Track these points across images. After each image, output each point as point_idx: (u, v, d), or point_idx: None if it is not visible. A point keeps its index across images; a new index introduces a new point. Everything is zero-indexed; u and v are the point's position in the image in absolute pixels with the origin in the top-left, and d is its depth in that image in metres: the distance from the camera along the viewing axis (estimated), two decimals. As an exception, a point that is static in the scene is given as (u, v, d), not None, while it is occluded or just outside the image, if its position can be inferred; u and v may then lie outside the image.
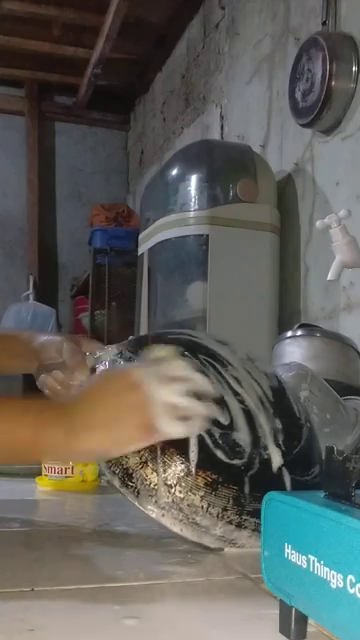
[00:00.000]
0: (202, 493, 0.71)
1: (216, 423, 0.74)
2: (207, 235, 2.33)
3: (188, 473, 0.71)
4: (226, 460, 0.73)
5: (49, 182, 4.84)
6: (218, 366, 0.80)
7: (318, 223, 1.67)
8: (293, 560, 0.45)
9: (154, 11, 3.82)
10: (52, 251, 4.83)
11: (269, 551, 0.48)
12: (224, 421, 0.75)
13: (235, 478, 0.73)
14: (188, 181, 2.39)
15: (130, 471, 0.72)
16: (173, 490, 0.71)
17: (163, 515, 0.71)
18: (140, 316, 2.74)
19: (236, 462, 0.74)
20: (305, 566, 0.43)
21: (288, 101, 2.32)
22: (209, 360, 0.81)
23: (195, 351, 0.81)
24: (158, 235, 2.50)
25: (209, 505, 0.71)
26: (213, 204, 2.34)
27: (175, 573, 0.64)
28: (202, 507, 0.71)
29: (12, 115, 4.73)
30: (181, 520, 0.71)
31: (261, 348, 2.08)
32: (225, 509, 0.72)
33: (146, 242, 2.66)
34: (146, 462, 0.71)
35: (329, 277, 1.69)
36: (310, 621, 0.47)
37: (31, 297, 4.40)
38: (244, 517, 0.72)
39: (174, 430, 0.67)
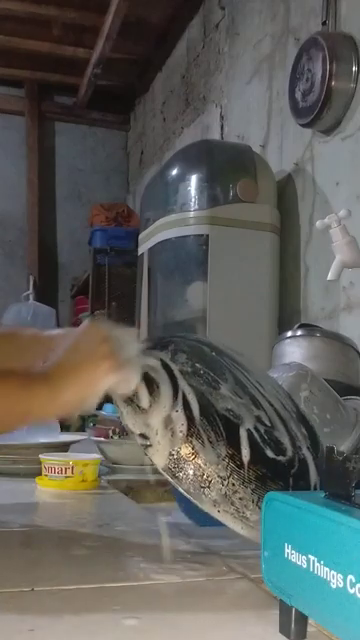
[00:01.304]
0: (253, 486, 0.72)
1: (260, 420, 0.75)
2: (207, 235, 2.33)
3: (241, 466, 0.72)
4: (272, 456, 0.74)
5: (49, 182, 4.84)
6: (243, 371, 0.82)
7: (318, 223, 1.67)
8: (293, 560, 0.45)
9: (154, 11, 3.83)
10: (52, 251, 4.84)
11: (269, 551, 0.48)
12: (266, 421, 0.76)
13: (281, 474, 0.74)
14: (188, 181, 2.39)
15: (181, 462, 0.73)
16: (227, 482, 0.72)
17: (219, 511, 0.72)
18: (140, 316, 2.74)
19: (281, 459, 0.75)
20: (305, 566, 0.43)
21: (288, 101, 2.32)
22: (234, 364, 0.82)
23: (220, 352, 0.82)
24: (158, 235, 2.50)
25: (259, 499, 0.71)
26: (213, 204, 2.34)
27: (175, 573, 0.64)
28: (253, 501, 0.71)
29: (12, 115, 4.73)
30: (232, 514, 0.71)
31: (261, 348, 2.08)
32: None
33: (146, 242, 2.66)
34: (197, 453, 0.72)
35: (329, 277, 1.69)
36: (310, 621, 0.47)
37: (31, 297, 4.40)
38: None
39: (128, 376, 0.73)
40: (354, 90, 2.06)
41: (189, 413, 0.73)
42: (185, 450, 0.72)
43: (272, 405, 0.80)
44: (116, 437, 1.57)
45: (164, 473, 0.73)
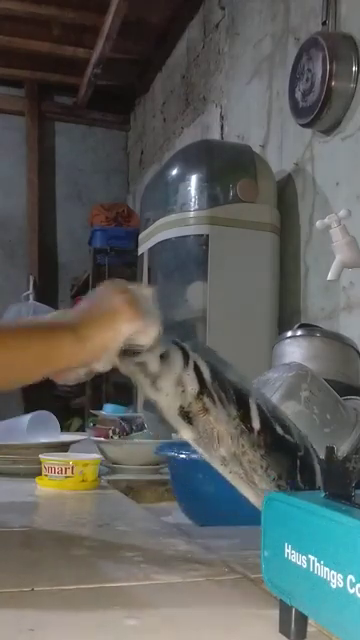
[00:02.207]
0: (262, 452, 0.72)
1: (266, 402, 0.77)
2: (207, 235, 2.33)
3: (251, 429, 0.73)
4: (281, 433, 0.75)
5: (49, 182, 4.84)
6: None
7: (318, 223, 1.67)
8: (293, 560, 0.45)
9: (154, 11, 3.83)
10: (52, 251, 4.84)
11: (269, 551, 0.48)
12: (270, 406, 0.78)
13: (290, 451, 0.75)
14: (188, 181, 2.39)
15: (191, 415, 0.74)
16: (236, 442, 0.73)
17: (230, 472, 0.73)
18: (140, 316, 2.73)
19: (289, 438, 0.75)
20: (305, 566, 0.43)
21: (288, 101, 2.32)
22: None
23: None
24: (158, 235, 2.50)
25: (268, 466, 0.72)
26: (213, 204, 2.34)
27: (175, 573, 0.64)
28: (261, 466, 0.72)
29: (12, 115, 4.73)
30: (241, 477, 0.72)
31: (261, 348, 2.08)
32: (280, 477, 0.73)
33: (146, 242, 2.66)
34: (208, 410, 0.73)
35: (329, 277, 1.69)
36: (310, 621, 0.47)
37: (31, 297, 4.40)
38: None
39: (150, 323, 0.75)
40: (354, 90, 2.06)
41: (200, 376, 0.74)
42: (196, 406, 0.74)
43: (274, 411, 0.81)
44: (116, 437, 1.57)
45: (174, 420, 0.75)
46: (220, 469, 0.73)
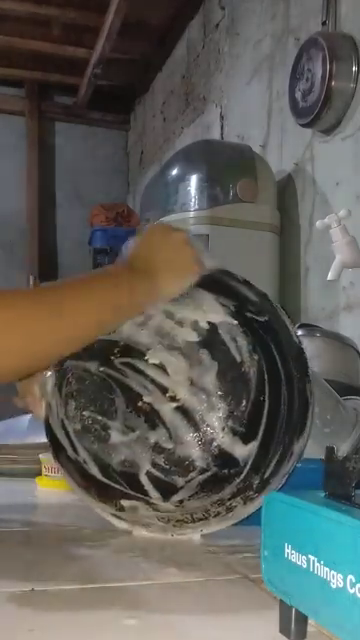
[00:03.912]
0: (180, 518, 0.76)
1: (158, 448, 0.75)
2: (207, 235, 2.32)
3: (157, 506, 0.76)
4: (183, 482, 0.75)
5: (49, 182, 4.84)
6: (137, 363, 0.79)
7: (318, 223, 1.67)
8: (293, 560, 0.45)
9: (154, 11, 3.82)
10: (52, 251, 4.83)
11: (269, 551, 0.48)
12: (166, 444, 0.76)
13: (202, 487, 0.74)
14: (188, 181, 2.39)
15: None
16: (163, 519, 0.77)
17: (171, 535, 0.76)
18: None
19: (192, 476, 0.74)
20: (305, 566, 0.43)
21: (288, 101, 2.32)
22: (128, 368, 0.80)
23: (111, 366, 0.80)
24: (158, 235, 2.49)
25: (200, 516, 0.75)
26: (213, 204, 2.34)
27: (175, 573, 0.64)
28: (194, 520, 0.75)
29: (12, 115, 4.73)
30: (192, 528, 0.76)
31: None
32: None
33: (146, 242, 2.65)
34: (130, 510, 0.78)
35: (329, 277, 1.69)
36: (310, 621, 0.47)
37: (31, 297, 4.39)
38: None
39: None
40: (354, 90, 2.06)
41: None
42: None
43: (173, 397, 0.77)
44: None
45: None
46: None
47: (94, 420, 0.78)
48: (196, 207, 2.36)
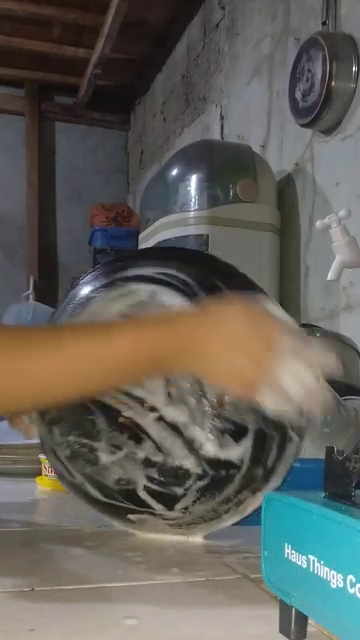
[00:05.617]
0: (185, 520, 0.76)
1: (149, 463, 0.73)
2: (207, 235, 2.32)
3: (163, 516, 0.76)
4: (181, 492, 0.74)
5: (49, 182, 4.84)
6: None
7: (318, 223, 1.67)
8: (293, 560, 0.45)
9: (154, 11, 3.82)
10: (52, 251, 4.83)
11: (269, 551, 0.48)
12: (156, 457, 0.73)
13: (201, 492, 0.74)
14: (188, 181, 2.39)
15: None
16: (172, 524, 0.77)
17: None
18: (140, 316, 2.73)
19: (189, 484, 0.73)
20: (305, 566, 0.43)
21: (288, 101, 2.32)
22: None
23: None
24: (158, 235, 2.49)
25: (202, 519, 0.76)
26: (213, 204, 2.34)
27: (175, 573, 0.64)
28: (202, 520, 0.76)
29: (12, 115, 4.73)
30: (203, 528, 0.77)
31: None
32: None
33: (146, 242, 2.65)
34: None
35: (329, 277, 1.69)
36: (310, 621, 0.47)
37: (31, 297, 4.39)
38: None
39: (278, 404, 0.61)
40: (354, 90, 2.06)
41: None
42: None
43: (155, 408, 0.72)
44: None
45: None
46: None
47: (80, 444, 0.76)
48: (196, 207, 2.36)
